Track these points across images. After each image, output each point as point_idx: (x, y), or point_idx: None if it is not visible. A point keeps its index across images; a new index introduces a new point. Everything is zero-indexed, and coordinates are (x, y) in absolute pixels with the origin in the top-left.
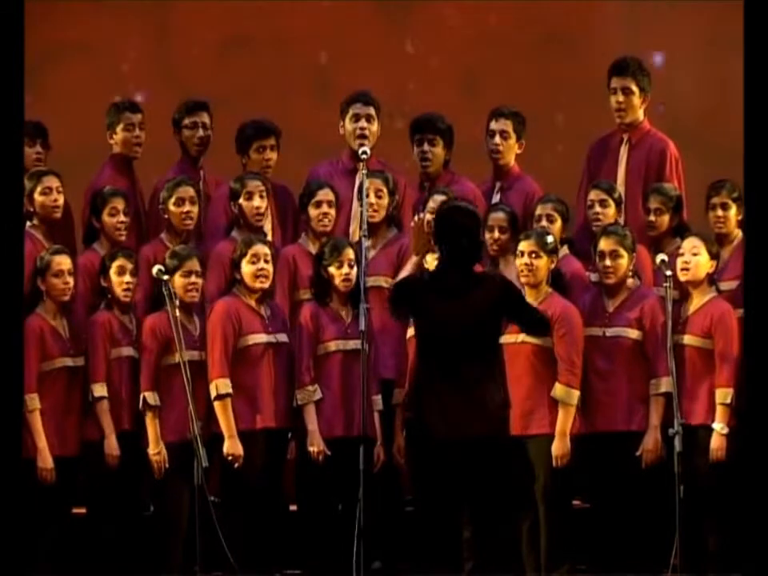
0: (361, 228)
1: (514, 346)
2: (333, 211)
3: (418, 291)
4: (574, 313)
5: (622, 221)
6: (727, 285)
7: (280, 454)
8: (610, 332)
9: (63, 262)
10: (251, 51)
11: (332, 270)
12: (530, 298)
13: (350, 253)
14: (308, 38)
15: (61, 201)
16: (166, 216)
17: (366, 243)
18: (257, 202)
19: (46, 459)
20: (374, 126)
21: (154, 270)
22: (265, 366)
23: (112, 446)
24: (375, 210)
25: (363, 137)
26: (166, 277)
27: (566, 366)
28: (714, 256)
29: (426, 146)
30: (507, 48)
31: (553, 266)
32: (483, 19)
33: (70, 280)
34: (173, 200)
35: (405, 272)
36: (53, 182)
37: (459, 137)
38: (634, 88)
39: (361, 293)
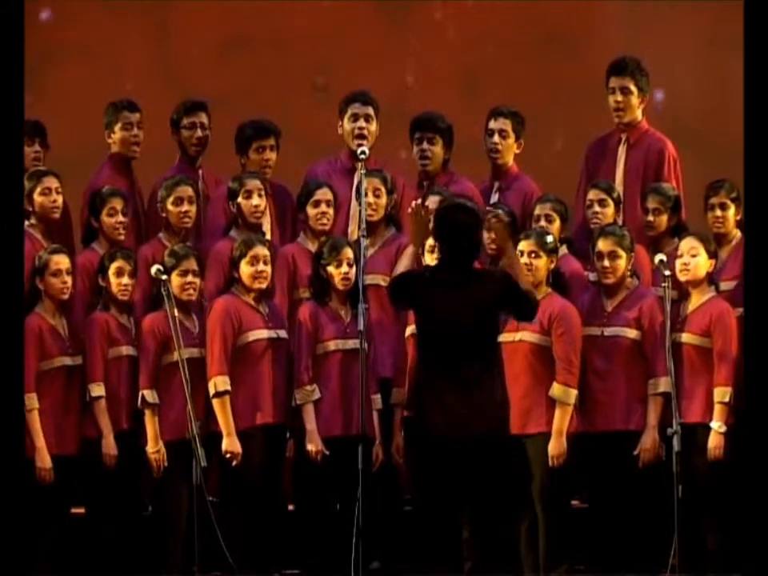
0: (359, 227)
1: (512, 345)
2: (331, 211)
3: (419, 286)
4: (572, 312)
5: (620, 220)
6: (725, 285)
7: (278, 452)
8: (609, 332)
9: (61, 261)
10: (251, 51)
11: (331, 269)
12: None
13: (348, 252)
14: (308, 37)
15: (60, 201)
16: (165, 215)
17: (365, 242)
18: (255, 200)
19: (44, 459)
20: (373, 126)
21: (153, 269)
22: (266, 362)
23: (110, 445)
24: (374, 210)
25: (362, 137)
26: (164, 276)
27: (563, 366)
28: (712, 255)
29: (425, 145)
30: (507, 48)
31: (552, 265)
32: (483, 19)
33: (69, 279)
34: (171, 199)
35: (402, 263)
36: (52, 182)
37: (459, 137)
38: (633, 88)
39: (359, 293)
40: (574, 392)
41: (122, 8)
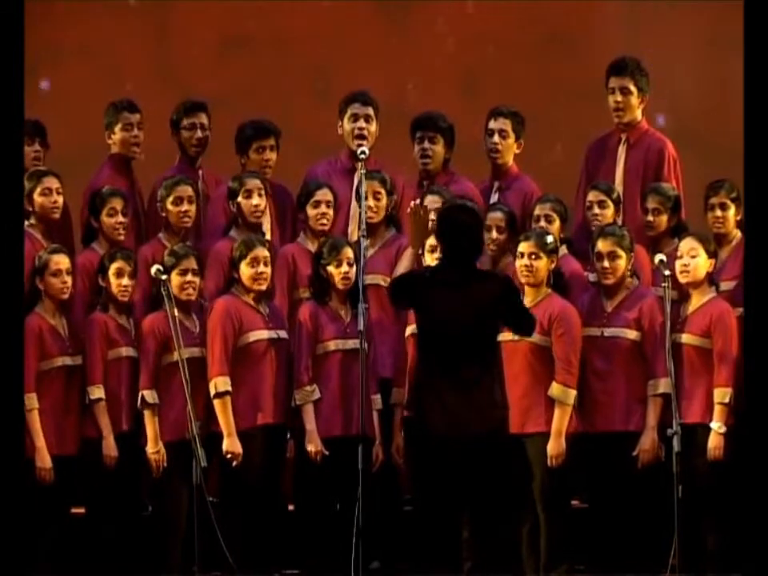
0: (359, 227)
1: (512, 344)
2: (331, 211)
3: (420, 286)
4: (572, 313)
5: (620, 221)
6: (725, 285)
7: (279, 452)
8: (609, 332)
9: (61, 261)
10: (251, 51)
11: (331, 269)
12: (529, 297)
13: (348, 252)
14: (308, 37)
15: (60, 202)
16: (164, 215)
17: (365, 242)
18: (255, 200)
19: (44, 459)
20: (373, 126)
21: (153, 269)
22: (267, 362)
23: (110, 446)
24: (374, 212)
25: (362, 137)
26: (164, 276)
27: (563, 366)
28: (711, 255)
29: (426, 144)
30: (507, 48)
31: (553, 266)
32: (483, 19)
33: (68, 279)
34: (171, 199)
35: (402, 264)
36: (52, 182)
37: (459, 137)
38: (632, 88)
39: (359, 293)
40: (573, 392)
41: (121, 8)
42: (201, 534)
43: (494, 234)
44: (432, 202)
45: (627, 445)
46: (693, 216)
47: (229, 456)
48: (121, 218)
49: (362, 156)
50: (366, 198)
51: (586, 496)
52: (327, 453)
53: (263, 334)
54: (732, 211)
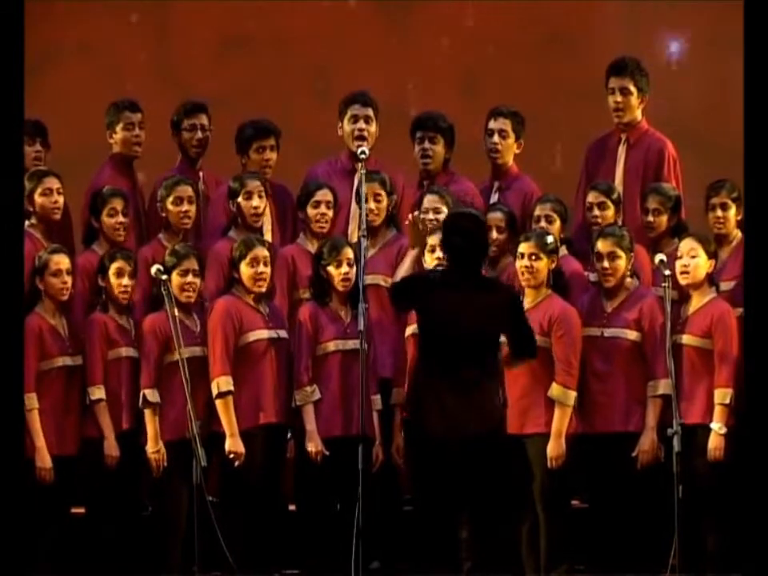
0: (359, 228)
1: None
2: (331, 212)
3: (424, 288)
4: (572, 314)
5: (620, 221)
6: (726, 285)
7: (279, 452)
8: (609, 333)
9: (61, 261)
10: (251, 51)
11: (331, 269)
12: (529, 298)
13: (348, 252)
14: (308, 37)
15: (61, 202)
16: (164, 215)
17: (365, 243)
18: (255, 201)
19: (44, 459)
20: (373, 127)
21: (153, 269)
22: (267, 362)
23: (111, 446)
24: (375, 215)
25: (362, 138)
26: (164, 276)
27: (563, 367)
28: (711, 255)
29: (426, 144)
30: (507, 48)
31: (553, 266)
32: (483, 19)
33: (68, 279)
34: (171, 199)
35: (404, 266)
36: (53, 183)
37: (459, 137)
38: (632, 88)
39: (360, 293)
40: (573, 393)
41: (121, 8)
42: (201, 533)
43: (494, 235)
44: (432, 201)
45: (627, 445)
46: (693, 216)
47: (232, 456)
48: (121, 219)
49: (362, 156)
50: (367, 201)
51: (586, 496)
52: (327, 453)
53: (263, 334)
54: (733, 211)
